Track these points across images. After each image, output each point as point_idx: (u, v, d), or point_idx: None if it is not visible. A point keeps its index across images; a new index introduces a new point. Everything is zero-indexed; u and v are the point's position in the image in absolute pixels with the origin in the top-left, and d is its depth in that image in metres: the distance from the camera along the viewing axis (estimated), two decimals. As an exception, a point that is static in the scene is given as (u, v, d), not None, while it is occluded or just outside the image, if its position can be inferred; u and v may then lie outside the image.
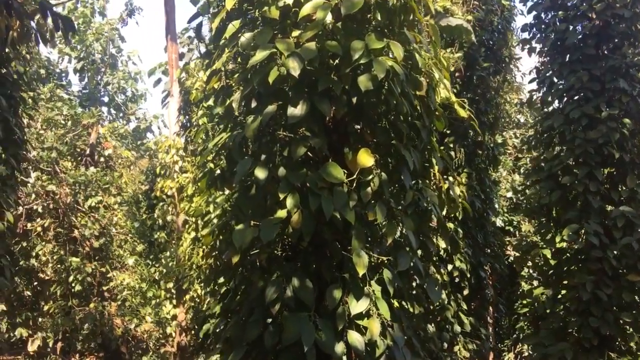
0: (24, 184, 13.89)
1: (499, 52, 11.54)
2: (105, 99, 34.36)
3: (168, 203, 17.24)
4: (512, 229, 20.44)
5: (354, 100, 4.37)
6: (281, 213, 4.34)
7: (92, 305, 14.49)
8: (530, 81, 9.93)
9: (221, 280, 5.32)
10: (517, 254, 11.53)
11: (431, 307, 11.11)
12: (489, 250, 12.18)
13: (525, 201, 10.09)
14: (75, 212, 14.58)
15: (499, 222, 19.15)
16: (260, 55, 4.25)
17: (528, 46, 9.98)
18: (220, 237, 5.25)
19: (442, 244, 10.78)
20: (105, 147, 16.04)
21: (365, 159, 4.32)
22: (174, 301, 15.69)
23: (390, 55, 4.39)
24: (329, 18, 4.35)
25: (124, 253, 15.56)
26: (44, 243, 14.73)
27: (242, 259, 5.01)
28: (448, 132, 11.35)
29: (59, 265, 14.74)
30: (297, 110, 4.30)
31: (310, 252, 4.88)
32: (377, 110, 4.79)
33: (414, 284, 5.48)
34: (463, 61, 10.99)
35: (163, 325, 16.30)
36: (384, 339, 4.46)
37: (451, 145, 11.23)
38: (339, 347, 4.33)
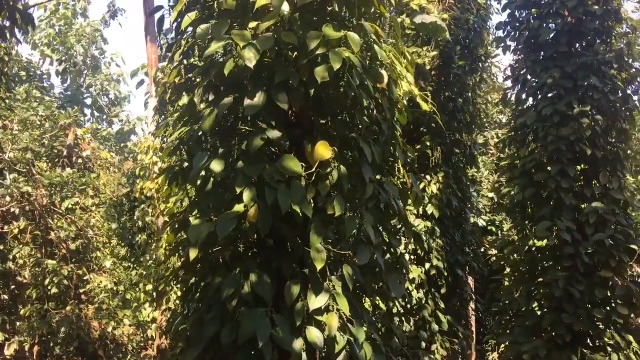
0: (-2, 185, 13.70)
1: (475, 51, 11.55)
2: (88, 102, 34.08)
3: (148, 205, 17.08)
4: (494, 229, 20.51)
5: (312, 92, 4.31)
6: (238, 207, 4.27)
7: (68, 308, 14.28)
8: (505, 79, 9.95)
9: (178, 282, 5.23)
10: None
11: (409, 306, 11.12)
12: (467, 249, 12.18)
13: (500, 200, 10.07)
14: (51, 214, 14.37)
15: (481, 223, 19.20)
16: (215, 46, 4.18)
17: (503, 44, 9.99)
18: (182, 234, 5.16)
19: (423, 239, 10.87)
20: (84, 148, 15.85)
21: (323, 151, 4.26)
22: (155, 304, 15.53)
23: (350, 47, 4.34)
24: (287, 9, 4.29)
25: (101, 255, 15.36)
26: (21, 246, 14.52)
27: (204, 255, 4.94)
28: (425, 130, 11.35)
29: (36, 269, 14.53)
30: (254, 102, 4.23)
31: (273, 248, 4.81)
32: (339, 103, 4.74)
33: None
34: (439, 60, 10.99)
35: (143, 328, 16.12)
36: (344, 335, 4.40)
37: (428, 144, 11.22)
38: (298, 344, 4.26)
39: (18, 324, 15.06)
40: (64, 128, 15.33)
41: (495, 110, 22.93)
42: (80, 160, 15.74)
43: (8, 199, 13.95)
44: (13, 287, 15.89)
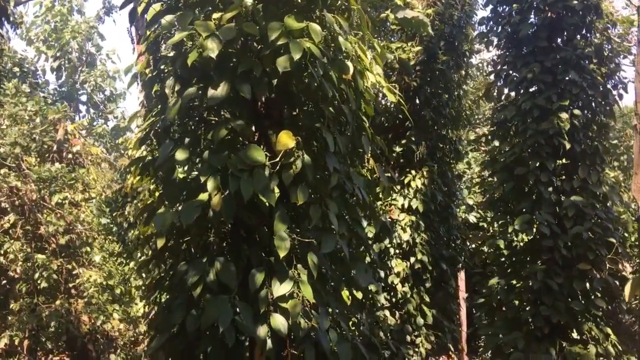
0: (-13, 180, 13.73)
1: (459, 46, 11.60)
2: (83, 98, 34.10)
3: (139, 200, 17.14)
4: (485, 225, 20.57)
5: (274, 82, 4.37)
6: (203, 196, 4.33)
7: (58, 302, 14.34)
8: (488, 74, 10.00)
9: (153, 268, 5.29)
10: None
11: (394, 300, 11.19)
12: (453, 244, 12.23)
13: (484, 193, 10.13)
14: (41, 208, 14.42)
15: (472, 219, 19.28)
16: (178, 36, 4.24)
17: (485, 39, 10.05)
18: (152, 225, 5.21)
19: (404, 236, 10.94)
20: (74, 143, 15.88)
21: (286, 140, 4.32)
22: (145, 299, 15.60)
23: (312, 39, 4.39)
24: (250, 0, 4.35)
25: (91, 250, 15.41)
26: (12, 241, 14.56)
27: (175, 245, 5.00)
28: (410, 125, 11.40)
29: (26, 263, 14.58)
30: (217, 92, 4.29)
31: (243, 238, 4.88)
32: (306, 94, 4.79)
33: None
34: (423, 55, 11.04)
35: (135, 323, 16.19)
36: (308, 322, 4.46)
37: (413, 139, 11.28)
38: (262, 330, 4.33)
39: (9, 318, 15.12)
40: (54, 123, 15.36)
41: (488, 106, 22.99)
42: (70, 156, 15.77)
43: (-2, 193, 13.99)
44: (4, 281, 15.95)
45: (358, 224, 4.96)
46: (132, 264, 16.52)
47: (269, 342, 4.40)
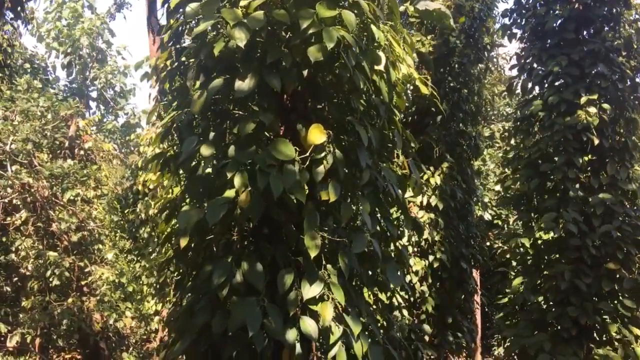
0: (-1, 176, 13.62)
1: (480, 39, 11.33)
2: (94, 94, 34.04)
3: (150, 197, 17.00)
4: (500, 222, 20.31)
5: (305, 73, 4.14)
6: (229, 193, 4.12)
7: (70, 300, 14.22)
8: (511, 68, 9.74)
9: (172, 267, 5.09)
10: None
11: (412, 299, 10.96)
12: (472, 242, 11.99)
13: (505, 192, 9.89)
14: (53, 205, 14.29)
15: (487, 216, 19.02)
16: (204, 25, 4.02)
17: (508, 32, 9.78)
18: (174, 223, 5.02)
19: (423, 234, 10.70)
20: (85, 140, 15.74)
21: (317, 135, 4.10)
22: (157, 296, 15.46)
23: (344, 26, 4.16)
24: (279, -14, 4.13)
25: (103, 247, 15.29)
26: (23, 238, 14.46)
27: (197, 244, 4.80)
28: (429, 121, 11.17)
29: (38, 261, 14.48)
30: (244, 84, 4.08)
31: (267, 236, 4.66)
32: (334, 86, 4.57)
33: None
34: (443, 48, 10.77)
35: (146, 320, 16.06)
36: (339, 325, 4.25)
37: (432, 134, 11.03)
38: (291, 334, 4.11)
39: (20, 315, 15.03)
40: (65, 119, 15.22)
41: (502, 102, 22.69)
42: (81, 152, 15.64)
43: (9, 190, 13.87)
44: (15, 278, 15.86)
45: (390, 222, 4.74)
46: (143, 262, 16.39)
47: (297, 346, 4.19)
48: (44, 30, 31.95)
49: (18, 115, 14.28)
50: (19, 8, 5.35)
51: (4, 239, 14.77)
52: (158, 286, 15.02)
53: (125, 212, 19.03)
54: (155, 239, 16.22)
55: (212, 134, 4.39)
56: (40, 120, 14.50)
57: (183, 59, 4.85)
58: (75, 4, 31.89)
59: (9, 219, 14.45)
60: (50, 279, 14.07)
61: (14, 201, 14.08)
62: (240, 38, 3.90)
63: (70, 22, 31.76)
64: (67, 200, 14.27)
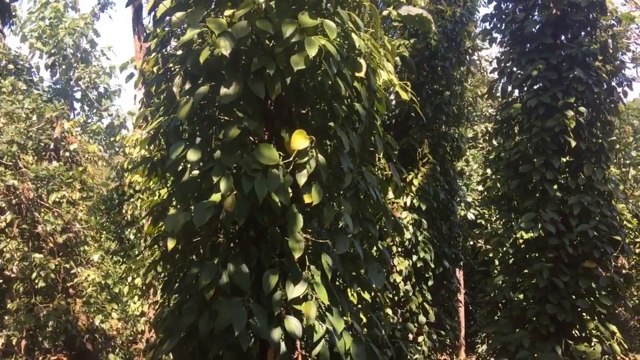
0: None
1: (461, 43, 11.54)
2: (78, 95, 33.84)
3: (136, 198, 17.01)
4: (484, 222, 20.59)
5: (288, 80, 4.28)
6: (215, 197, 4.25)
7: (56, 302, 14.22)
8: (491, 71, 9.94)
9: (160, 269, 5.21)
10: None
11: (396, 298, 11.14)
12: (455, 242, 12.21)
13: (487, 192, 10.10)
14: (38, 207, 14.28)
15: (470, 216, 19.28)
16: (190, 34, 4.14)
17: (489, 36, 9.98)
18: (160, 225, 5.13)
19: (407, 234, 10.89)
20: (70, 141, 15.74)
21: (299, 140, 4.24)
22: (143, 297, 15.49)
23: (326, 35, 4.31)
24: (262, -4, 4.26)
25: (89, 249, 15.29)
26: (8, 240, 14.43)
27: (184, 246, 4.92)
28: (411, 123, 11.35)
29: (23, 263, 14.45)
30: (229, 91, 4.20)
31: (253, 238, 4.79)
32: (317, 92, 4.71)
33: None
34: (425, 52, 10.96)
35: (133, 321, 16.09)
36: (323, 324, 4.40)
37: (415, 137, 11.22)
38: (276, 333, 4.25)
39: (6, 317, 14.99)
40: (51, 121, 15.21)
41: (485, 103, 22.98)
42: (67, 154, 15.62)
43: (-6, 192, 13.84)
44: (0, 281, 15.80)
45: (371, 224, 4.89)
46: (129, 263, 16.40)
47: (282, 345, 4.33)
48: (27, 30, 31.71)
49: (3, 117, 14.26)
50: (6, 15, 5.40)
51: (-12, 241, 14.71)
52: (144, 287, 15.07)
53: (111, 213, 19.03)
54: (142, 242, 16.27)
55: (198, 139, 4.51)
56: (25, 122, 14.48)
57: (169, 65, 4.97)
58: (57, 4, 31.69)
59: (-7, 221, 14.40)
60: (36, 281, 14.06)
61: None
62: (225, 47, 4.04)
63: (52, 21, 31.54)
64: (52, 202, 14.27)
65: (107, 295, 15.15)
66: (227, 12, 4.28)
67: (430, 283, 11.17)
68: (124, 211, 17.67)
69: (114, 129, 34.05)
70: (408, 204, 10.97)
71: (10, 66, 26.86)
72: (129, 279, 15.85)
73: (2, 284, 15.86)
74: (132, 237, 17.98)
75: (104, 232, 18.44)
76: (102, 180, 17.58)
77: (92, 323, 14.59)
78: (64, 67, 32.22)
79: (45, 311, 14.03)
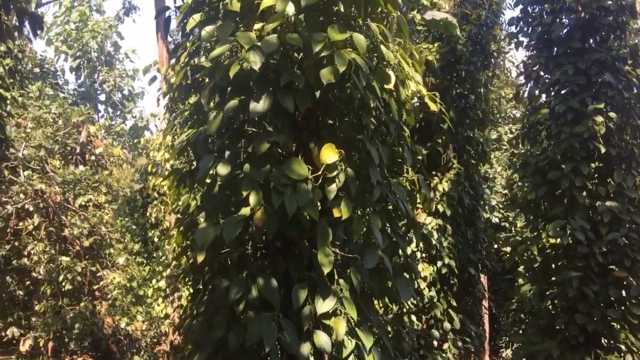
0: (12, 182, 13.83)
1: (487, 47, 11.41)
2: (102, 97, 34.30)
3: (160, 201, 17.18)
4: (507, 225, 20.36)
5: (317, 93, 4.26)
6: (244, 211, 4.24)
7: (82, 304, 14.43)
8: (518, 75, 9.81)
9: (189, 280, 5.23)
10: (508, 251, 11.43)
11: (420, 305, 11.06)
12: (480, 247, 12.07)
13: (512, 197, 9.96)
14: (65, 211, 14.50)
15: (494, 219, 19.08)
16: (220, 49, 4.14)
17: (515, 40, 9.85)
18: (189, 236, 5.15)
19: (432, 240, 10.79)
20: (96, 145, 15.95)
21: (329, 154, 4.21)
22: (167, 300, 15.63)
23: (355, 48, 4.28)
24: (291, 10, 4.24)
25: (114, 252, 15.48)
26: (35, 242, 14.68)
27: (211, 258, 4.92)
28: (436, 128, 11.25)
29: (50, 265, 14.69)
30: (259, 106, 4.19)
31: (280, 251, 4.78)
32: (346, 105, 4.68)
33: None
34: (450, 56, 10.86)
35: (157, 323, 16.24)
36: (352, 339, 4.37)
37: (439, 141, 11.12)
38: (305, 348, 4.23)
39: (33, 319, 15.25)
40: (77, 125, 15.43)
41: (509, 105, 22.72)
42: (92, 157, 15.84)
43: (22, 196, 14.09)
44: (28, 282, 16.08)
45: (400, 237, 4.84)
46: (153, 264, 16.57)
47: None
48: (53, 33, 32.21)
49: (30, 122, 14.50)
50: (36, 26, 5.47)
51: (16, 244, 15.00)
52: (169, 290, 15.21)
53: (135, 215, 19.24)
54: (165, 244, 16.41)
55: (226, 153, 4.51)
56: (52, 127, 14.71)
57: (197, 76, 4.99)
58: (83, 8, 32.14)
59: (21, 224, 14.68)
60: (63, 284, 14.29)
61: (27, 207, 14.29)
62: (255, 61, 4.02)
63: (78, 25, 32.00)
64: (78, 206, 14.49)
65: (132, 297, 15.31)
66: (257, 26, 4.27)
67: (454, 289, 11.06)
68: (148, 213, 17.86)
69: (137, 130, 34.44)
70: (433, 209, 10.88)
71: (37, 70, 27.33)
72: (153, 281, 16.03)
73: (29, 285, 16.15)
74: (155, 239, 18.18)
75: (129, 234, 18.65)
76: (126, 183, 17.80)
77: (117, 325, 14.76)
78: (88, 70, 32.67)
79: (72, 313, 14.24)
